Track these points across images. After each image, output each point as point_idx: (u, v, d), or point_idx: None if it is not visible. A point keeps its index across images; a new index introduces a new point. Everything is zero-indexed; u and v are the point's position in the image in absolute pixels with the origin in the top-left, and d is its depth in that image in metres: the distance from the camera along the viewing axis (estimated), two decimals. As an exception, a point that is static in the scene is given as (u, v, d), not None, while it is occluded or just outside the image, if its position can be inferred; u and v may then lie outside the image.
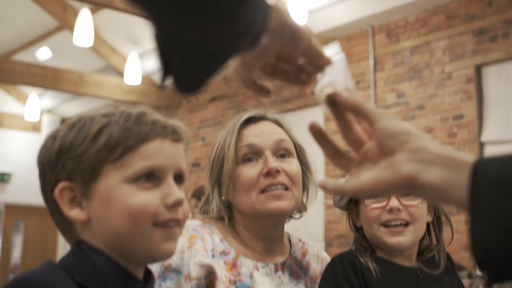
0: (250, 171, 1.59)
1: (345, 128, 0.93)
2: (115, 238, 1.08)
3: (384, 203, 1.61)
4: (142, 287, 1.11)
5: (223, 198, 1.64)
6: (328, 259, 1.77)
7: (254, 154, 1.61)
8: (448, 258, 1.73)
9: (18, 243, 12.43)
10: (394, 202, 1.61)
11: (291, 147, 1.65)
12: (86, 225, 1.10)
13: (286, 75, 0.97)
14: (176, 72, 0.82)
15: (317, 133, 0.95)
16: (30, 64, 9.38)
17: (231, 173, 1.60)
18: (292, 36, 0.90)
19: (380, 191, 0.86)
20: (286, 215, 1.64)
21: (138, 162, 1.08)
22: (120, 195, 1.06)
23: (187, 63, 0.81)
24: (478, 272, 5.61)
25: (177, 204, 1.10)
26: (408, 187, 0.83)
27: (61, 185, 1.09)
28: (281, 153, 1.63)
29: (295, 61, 0.96)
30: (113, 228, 1.07)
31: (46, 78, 9.25)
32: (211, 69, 0.84)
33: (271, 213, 1.58)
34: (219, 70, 0.84)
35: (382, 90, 7.34)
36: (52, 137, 1.13)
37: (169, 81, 0.85)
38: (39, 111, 11.61)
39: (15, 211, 12.33)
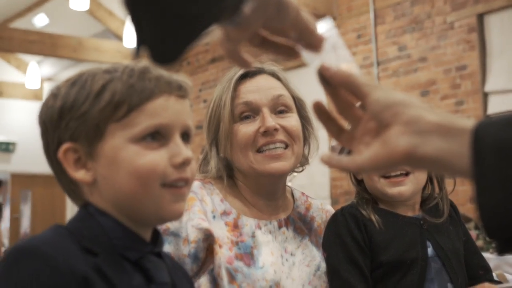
0: (246, 129, 1.55)
1: (340, 105, 0.89)
2: (122, 199, 1.05)
3: None
4: (151, 250, 1.09)
5: (221, 155, 1.61)
6: (332, 212, 1.75)
7: (251, 111, 1.57)
8: (452, 206, 1.71)
9: (26, 212, 12.52)
10: None
11: (290, 101, 1.61)
12: (93, 187, 1.07)
13: (276, 47, 0.92)
14: (150, 41, 0.76)
15: (322, 113, 0.90)
16: (27, 31, 9.32)
17: (228, 132, 1.56)
18: (278, 8, 0.84)
19: (380, 168, 0.82)
20: (286, 174, 1.61)
21: (144, 121, 1.04)
22: (127, 155, 1.04)
23: (161, 30, 0.75)
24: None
25: (186, 163, 1.07)
26: (406, 161, 0.79)
27: (65, 146, 1.06)
28: (279, 109, 1.58)
29: (285, 34, 0.90)
30: (121, 189, 1.05)
31: (45, 44, 9.19)
32: (188, 37, 0.77)
33: (270, 174, 1.55)
34: (197, 38, 0.77)
35: (383, 44, 7.27)
36: (53, 95, 1.09)
37: (144, 50, 0.79)
38: (39, 79, 11.57)
39: (22, 180, 12.39)
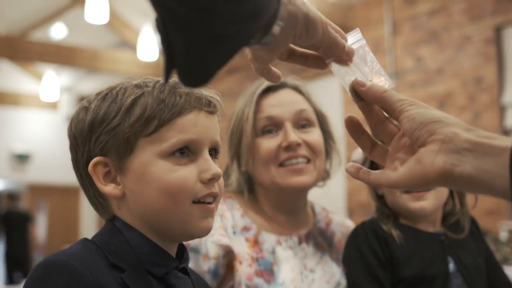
0: (269, 143, 1.55)
1: (373, 120, 0.87)
2: (151, 215, 1.06)
3: None
4: (177, 265, 1.09)
5: (242, 169, 1.60)
6: (353, 227, 1.73)
7: (273, 126, 1.56)
8: (473, 221, 1.69)
9: (42, 222, 12.57)
10: None
11: (312, 116, 1.60)
12: (121, 201, 1.08)
13: (304, 59, 0.91)
14: (181, 62, 0.74)
15: (354, 127, 0.89)
16: (45, 43, 9.40)
17: (250, 146, 1.55)
18: (306, 26, 0.83)
19: (414, 186, 0.81)
20: (309, 189, 1.60)
21: (174, 136, 1.05)
22: (156, 171, 1.04)
23: (192, 51, 0.73)
24: (503, 237, 5.56)
25: (215, 179, 1.07)
26: (443, 180, 0.77)
27: (95, 160, 1.06)
28: (302, 123, 1.57)
29: (313, 48, 0.89)
30: (150, 204, 1.05)
31: (61, 56, 9.26)
32: (219, 59, 0.76)
33: (292, 188, 1.54)
34: (228, 60, 0.76)
35: (400, 56, 7.24)
36: (84, 108, 1.10)
37: (173, 74, 0.77)
38: (56, 90, 11.65)
39: (38, 190, 12.45)
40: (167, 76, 0.75)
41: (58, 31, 10.49)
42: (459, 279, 1.56)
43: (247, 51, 0.85)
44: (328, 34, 0.86)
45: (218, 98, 1.13)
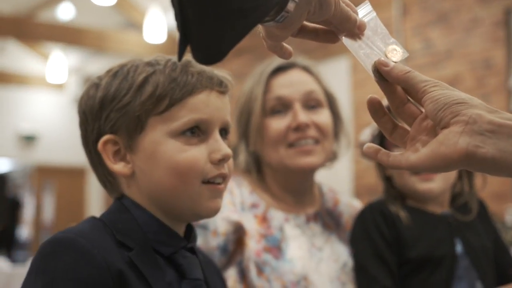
0: (278, 124, 1.54)
1: (395, 102, 0.86)
2: (160, 194, 1.06)
3: None
4: (184, 245, 1.09)
5: (250, 149, 1.60)
6: (359, 208, 1.73)
7: (282, 106, 1.56)
8: (481, 204, 1.68)
9: (49, 202, 12.63)
10: None
11: (322, 97, 1.59)
12: (131, 179, 1.08)
13: (315, 34, 0.90)
14: (195, 38, 0.72)
15: (376, 109, 0.87)
16: (52, 23, 9.38)
17: (259, 126, 1.55)
18: (320, 2, 0.82)
19: (436, 168, 0.79)
20: (316, 169, 1.59)
21: (185, 115, 1.05)
22: (167, 150, 1.04)
23: (207, 26, 0.72)
24: (508, 221, 5.56)
25: (225, 159, 1.07)
26: (466, 162, 0.76)
27: (105, 137, 1.06)
28: (311, 104, 1.57)
29: (325, 24, 0.88)
30: (159, 183, 1.05)
31: (68, 36, 9.24)
32: (234, 35, 0.74)
33: (301, 169, 1.54)
34: (242, 36, 0.75)
35: (409, 38, 7.20)
36: (95, 85, 1.10)
37: (187, 49, 0.75)
38: (63, 70, 11.64)
39: (45, 171, 12.49)
40: (181, 53, 0.73)
41: (65, 12, 10.45)
42: (466, 261, 1.55)
43: (260, 29, 0.84)
44: (340, 9, 0.85)
45: (229, 78, 1.13)
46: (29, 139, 12.26)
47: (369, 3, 0.93)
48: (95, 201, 12.13)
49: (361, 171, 7.19)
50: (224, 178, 1.09)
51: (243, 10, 0.71)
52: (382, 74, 0.84)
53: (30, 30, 9.10)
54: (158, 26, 8.73)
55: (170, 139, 1.05)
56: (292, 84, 1.56)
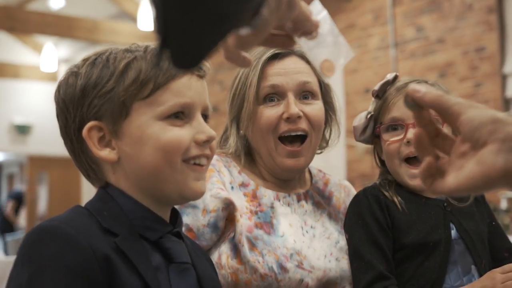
0: (270, 112, 1.55)
1: (430, 130, 0.85)
2: (146, 177, 1.07)
3: (401, 136, 1.56)
4: (170, 230, 1.10)
5: (241, 133, 1.61)
6: (350, 187, 1.76)
7: (276, 95, 1.57)
8: None
9: (43, 193, 12.62)
10: (411, 133, 1.54)
11: (316, 88, 1.60)
12: (116, 165, 1.09)
13: (272, 39, 0.89)
14: (175, 43, 0.71)
15: (422, 143, 0.86)
16: (44, 13, 9.32)
17: (251, 113, 1.56)
18: (289, 5, 0.82)
19: (477, 188, 0.79)
20: (304, 169, 1.63)
21: (170, 99, 1.07)
22: (153, 132, 1.06)
23: (189, 30, 0.70)
24: (503, 207, 5.59)
25: (209, 140, 1.10)
26: (505, 180, 0.76)
27: (90, 124, 1.07)
28: (304, 94, 1.58)
29: (283, 27, 0.88)
30: (145, 166, 1.06)
31: (61, 27, 9.20)
32: (215, 39, 0.74)
33: (288, 169, 1.57)
34: (221, 40, 0.74)
35: (401, 25, 7.19)
36: (74, 74, 1.10)
37: (166, 56, 0.74)
38: (55, 61, 11.59)
39: (38, 162, 12.47)
40: (160, 57, 0.72)
41: (56, 2, 10.40)
42: (461, 245, 1.55)
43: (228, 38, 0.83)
44: (302, 9, 0.85)
45: (207, 64, 1.13)
46: (22, 130, 12.23)
47: (318, 1, 0.94)
48: (89, 191, 12.11)
49: (354, 159, 7.20)
50: (207, 158, 1.11)
51: (223, 15, 0.70)
52: (415, 101, 0.83)
53: (22, 21, 9.05)
54: (151, 14, 8.68)
55: (156, 122, 1.06)
56: (287, 73, 1.57)
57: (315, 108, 1.58)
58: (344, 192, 1.72)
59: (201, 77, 1.13)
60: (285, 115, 1.54)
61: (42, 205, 12.55)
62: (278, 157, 1.56)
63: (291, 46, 0.90)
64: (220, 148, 1.64)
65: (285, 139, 1.56)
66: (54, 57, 11.44)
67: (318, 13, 0.92)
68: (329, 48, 0.89)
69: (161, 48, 0.72)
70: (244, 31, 0.80)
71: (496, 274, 1.41)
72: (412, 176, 1.56)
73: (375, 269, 1.49)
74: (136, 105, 1.06)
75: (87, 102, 1.07)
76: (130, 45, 1.12)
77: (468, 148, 0.80)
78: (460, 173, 0.80)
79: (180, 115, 1.08)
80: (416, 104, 0.83)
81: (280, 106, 1.56)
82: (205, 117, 1.13)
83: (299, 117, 1.54)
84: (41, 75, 12.16)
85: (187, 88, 1.09)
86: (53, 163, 12.25)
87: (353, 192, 1.75)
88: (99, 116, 1.07)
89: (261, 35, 0.81)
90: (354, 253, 1.55)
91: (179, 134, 1.07)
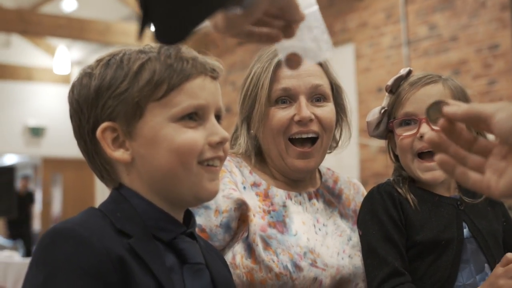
0: (281, 114, 1.56)
1: (466, 143, 0.84)
2: (160, 179, 1.07)
3: (414, 131, 1.56)
4: (184, 230, 1.11)
5: (252, 133, 1.61)
6: (359, 185, 1.77)
7: (288, 97, 1.57)
8: None
9: (57, 195, 12.69)
10: (424, 128, 1.54)
11: (328, 90, 1.60)
12: (130, 166, 1.09)
13: (259, 36, 0.89)
14: (157, 18, 0.71)
15: (452, 168, 0.85)
16: (56, 16, 9.37)
17: (262, 114, 1.57)
18: None
19: None
20: (314, 170, 1.64)
21: (184, 100, 1.07)
22: (167, 133, 1.06)
23: (172, 8, 0.71)
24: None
25: (223, 142, 1.10)
26: None
27: (104, 125, 1.07)
28: (316, 97, 1.58)
29: (268, 19, 0.87)
30: (159, 167, 1.06)
31: (73, 29, 9.25)
32: (198, 16, 0.73)
33: (298, 170, 1.58)
34: (208, 16, 0.74)
35: (413, 23, 7.17)
36: (88, 74, 1.10)
37: (149, 29, 0.75)
38: (68, 63, 11.66)
39: (52, 164, 12.55)
40: (141, 30, 0.73)
41: (68, 4, 10.46)
42: (473, 244, 1.55)
43: (215, 20, 0.83)
44: None
45: (220, 65, 1.14)
46: (36, 133, 12.30)
47: None
48: (103, 193, 12.17)
49: (367, 158, 7.19)
50: (221, 160, 1.12)
51: None
52: (450, 118, 0.82)
53: (35, 24, 9.11)
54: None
55: (170, 123, 1.06)
56: (299, 75, 1.57)
57: (326, 110, 1.58)
58: (353, 190, 1.73)
59: (214, 78, 1.12)
60: (296, 118, 1.55)
61: (56, 207, 12.62)
62: (288, 158, 1.57)
63: (277, 40, 0.89)
64: (230, 148, 1.64)
65: (296, 141, 1.57)
66: (67, 59, 11.51)
67: (309, 6, 0.91)
68: (304, 43, 0.88)
69: (144, 22, 0.71)
70: (234, 11, 0.79)
71: (497, 268, 1.41)
72: (424, 170, 1.56)
73: (390, 265, 1.49)
74: (150, 106, 1.06)
75: (101, 103, 1.07)
76: (144, 46, 1.12)
77: (507, 150, 0.80)
78: (502, 179, 0.79)
79: (193, 116, 1.08)
80: (449, 120, 0.82)
81: (291, 108, 1.56)
82: (218, 118, 1.13)
83: (311, 120, 1.55)
84: (54, 77, 12.23)
85: (201, 89, 1.09)
86: (67, 165, 12.32)
87: (362, 189, 1.76)
88: (113, 117, 1.07)
89: (251, 16, 0.81)
90: (368, 250, 1.54)
91: (193, 136, 1.07)
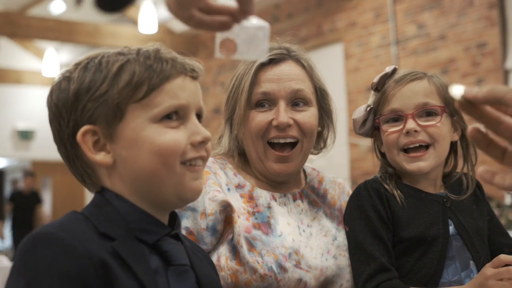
0: (261, 118, 1.56)
1: (491, 124, 0.82)
2: (143, 180, 1.06)
3: (400, 126, 1.57)
4: (168, 232, 1.10)
5: (234, 133, 1.62)
6: (344, 184, 1.77)
7: (267, 101, 1.57)
8: (477, 184, 1.67)
9: (47, 198, 12.63)
10: (410, 124, 1.55)
11: (310, 95, 1.59)
12: (112, 169, 1.08)
13: (210, 25, 0.91)
14: None
15: (480, 139, 0.84)
16: (45, 18, 9.34)
17: (242, 117, 1.57)
18: None
19: None
20: (294, 174, 1.63)
21: (165, 101, 1.06)
22: (148, 134, 1.05)
23: None
24: (507, 202, 5.58)
25: (205, 142, 1.09)
26: None
27: (84, 128, 1.06)
28: (296, 101, 1.57)
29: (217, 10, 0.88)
30: (142, 169, 1.06)
31: (62, 31, 9.22)
32: None
33: (276, 173, 1.58)
34: None
35: (402, 23, 7.19)
36: (66, 78, 1.10)
37: None
38: (57, 66, 11.61)
39: (42, 167, 12.49)
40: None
41: (57, 7, 10.42)
42: (459, 241, 1.56)
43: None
44: None
45: (200, 66, 1.14)
46: (25, 136, 12.25)
47: None
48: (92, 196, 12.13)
49: (357, 158, 7.20)
50: (203, 160, 1.11)
51: None
52: (469, 100, 0.81)
53: (23, 27, 9.07)
54: (152, 16, 8.74)
55: (151, 124, 1.06)
56: (280, 79, 1.56)
57: (307, 115, 1.57)
58: (338, 189, 1.72)
59: (194, 78, 1.12)
60: (274, 123, 1.54)
61: (46, 210, 12.56)
62: (267, 161, 1.57)
63: (227, 28, 0.90)
64: (214, 148, 1.64)
65: (275, 144, 1.57)
66: (56, 62, 11.45)
67: (262, 22, 0.94)
68: (246, 38, 0.90)
69: None
70: None
71: (487, 268, 1.41)
72: (410, 161, 1.57)
73: (377, 261, 1.49)
74: (130, 108, 1.06)
75: (80, 106, 1.06)
76: (123, 48, 1.12)
77: None
78: None
79: (175, 117, 1.08)
80: (470, 103, 0.81)
81: (271, 112, 1.56)
82: (199, 117, 1.13)
83: (289, 125, 1.54)
84: (43, 80, 12.18)
85: (181, 89, 1.08)
86: (57, 168, 12.27)
87: (348, 189, 1.76)
88: (93, 120, 1.06)
89: None
90: (355, 246, 1.55)
91: (175, 136, 1.06)
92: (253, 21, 0.95)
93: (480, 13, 6.38)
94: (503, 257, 1.42)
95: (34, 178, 10.52)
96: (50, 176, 12.60)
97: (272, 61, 1.57)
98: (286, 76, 1.57)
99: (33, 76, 12.20)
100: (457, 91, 0.82)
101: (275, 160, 1.56)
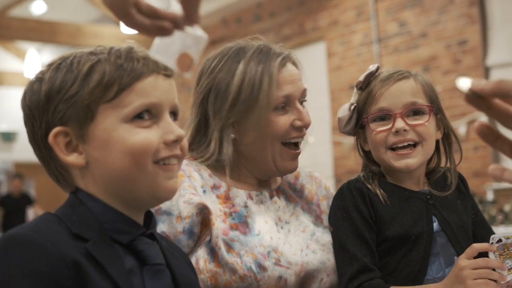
0: (283, 120, 1.56)
1: (501, 116, 0.82)
2: (116, 181, 1.06)
3: (389, 126, 1.57)
4: (144, 232, 1.10)
5: (232, 137, 1.56)
6: (321, 178, 1.78)
7: (287, 103, 1.57)
8: (461, 179, 1.69)
9: (30, 200, 12.52)
10: (399, 123, 1.56)
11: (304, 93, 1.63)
12: (85, 170, 1.07)
13: (149, 29, 0.91)
14: None
15: (487, 134, 0.83)
16: (25, 19, 9.28)
17: (262, 120, 1.54)
18: None
19: None
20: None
21: (136, 100, 1.05)
22: (120, 134, 1.04)
23: None
24: (489, 198, 5.63)
25: (178, 140, 1.08)
26: None
27: (55, 130, 1.05)
28: (301, 101, 1.61)
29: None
30: (114, 169, 1.05)
31: (43, 32, 9.16)
32: None
33: (287, 171, 1.61)
34: None
35: (383, 21, 7.22)
36: (38, 80, 1.09)
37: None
38: (39, 67, 11.54)
39: (25, 169, 12.39)
40: None
41: (38, 7, 10.35)
42: (443, 237, 1.56)
43: None
44: None
45: (172, 68, 1.13)
46: (7, 137, 12.16)
47: None
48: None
49: (341, 156, 7.22)
50: (177, 158, 1.10)
51: None
52: (476, 93, 0.81)
53: (4, 28, 9.01)
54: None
55: (122, 124, 1.05)
56: (294, 81, 1.58)
57: (308, 113, 1.61)
58: (315, 184, 1.73)
59: (168, 76, 1.11)
60: (298, 123, 1.56)
61: (29, 211, 12.47)
62: (281, 161, 1.57)
63: (168, 34, 0.91)
64: (191, 150, 1.60)
65: (288, 144, 1.58)
66: (38, 63, 11.38)
67: (203, 34, 0.94)
68: (184, 41, 0.90)
69: None
70: None
71: (461, 259, 1.42)
72: (398, 159, 1.57)
73: (359, 261, 1.50)
74: (101, 108, 1.05)
75: (52, 108, 1.06)
76: (95, 47, 1.11)
77: None
78: None
79: (147, 115, 1.07)
80: (478, 96, 0.81)
81: (289, 114, 1.57)
82: (175, 115, 1.12)
83: (310, 125, 1.60)
84: (25, 81, 12.08)
85: (153, 88, 1.07)
86: (40, 169, 12.01)
87: (324, 182, 1.77)
88: (65, 121, 1.05)
89: None
90: (339, 246, 1.56)
91: (147, 136, 1.05)
92: (195, 30, 0.95)
93: (460, 10, 6.43)
94: (476, 245, 1.43)
95: (22, 180, 10.43)
96: (33, 178, 12.51)
97: (282, 62, 1.57)
98: (296, 77, 1.59)
99: (15, 77, 12.11)
100: (464, 84, 0.81)
101: (290, 159, 1.58)
